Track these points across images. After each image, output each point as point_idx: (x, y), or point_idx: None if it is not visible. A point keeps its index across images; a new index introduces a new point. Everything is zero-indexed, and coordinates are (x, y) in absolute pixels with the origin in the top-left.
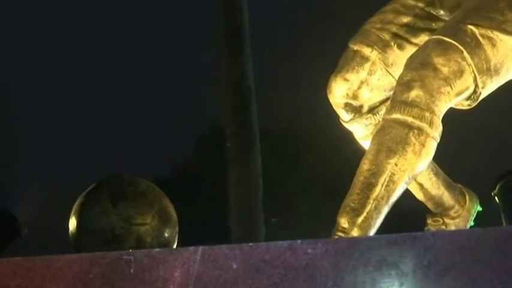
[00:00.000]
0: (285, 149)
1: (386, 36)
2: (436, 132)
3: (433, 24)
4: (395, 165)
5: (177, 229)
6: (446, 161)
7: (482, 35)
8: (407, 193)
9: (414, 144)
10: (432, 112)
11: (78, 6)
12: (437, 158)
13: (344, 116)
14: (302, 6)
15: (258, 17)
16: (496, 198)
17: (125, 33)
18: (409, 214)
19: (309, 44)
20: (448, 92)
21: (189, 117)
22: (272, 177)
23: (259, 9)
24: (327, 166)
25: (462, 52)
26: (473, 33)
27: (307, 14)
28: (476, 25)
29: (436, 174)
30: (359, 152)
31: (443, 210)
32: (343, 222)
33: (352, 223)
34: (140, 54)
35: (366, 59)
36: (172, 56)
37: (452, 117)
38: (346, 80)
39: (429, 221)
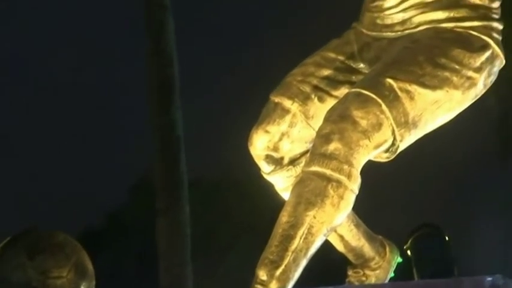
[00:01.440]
0: (216, 198)
1: (307, 88)
2: (354, 185)
3: (353, 77)
4: (314, 217)
5: (94, 282)
6: (359, 213)
7: (400, 88)
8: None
9: (333, 196)
10: (351, 165)
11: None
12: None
13: (265, 167)
14: (235, 59)
15: (189, 67)
16: (408, 251)
17: (56, 80)
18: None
19: (241, 95)
20: (367, 145)
21: (120, 167)
22: (203, 227)
23: (190, 59)
24: (258, 216)
25: (380, 105)
26: (391, 86)
27: (239, 64)
28: (394, 78)
29: (357, 226)
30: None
31: (363, 262)
32: (262, 274)
33: (271, 276)
34: (74, 101)
35: (286, 111)
36: (104, 105)
37: (368, 170)
38: (267, 132)
39: (350, 272)
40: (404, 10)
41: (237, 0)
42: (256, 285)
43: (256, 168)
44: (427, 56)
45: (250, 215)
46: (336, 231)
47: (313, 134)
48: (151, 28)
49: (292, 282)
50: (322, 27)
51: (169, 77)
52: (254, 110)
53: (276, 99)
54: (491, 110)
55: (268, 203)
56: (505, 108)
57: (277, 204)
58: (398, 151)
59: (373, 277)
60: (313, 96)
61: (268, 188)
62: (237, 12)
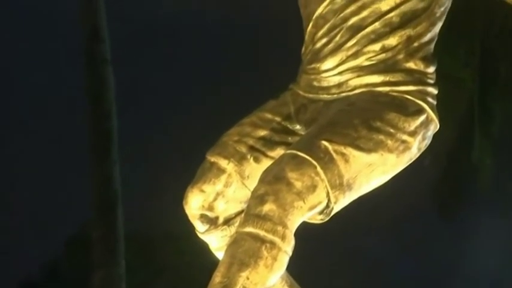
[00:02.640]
0: (152, 253)
1: (243, 148)
2: (288, 247)
3: (289, 138)
4: (247, 278)
5: None
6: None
7: (335, 151)
8: None
9: (266, 258)
10: (285, 226)
11: None
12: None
13: (199, 227)
14: (174, 112)
15: (128, 121)
16: None
17: None
18: None
19: (179, 151)
20: (301, 207)
21: (57, 219)
22: (138, 281)
23: (129, 113)
24: (194, 272)
25: (315, 167)
26: (326, 148)
27: (177, 117)
28: (330, 141)
29: (290, 286)
30: None
31: None
32: None
33: None
34: (9, 151)
35: (222, 170)
36: (42, 157)
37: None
38: (202, 191)
39: None
40: (340, 73)
41: (177, 58)
42: None
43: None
44: (362, 119)
45: (186, 271)
46: None
47: (248, 194)
48: (91, 82)
49: None
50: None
51: (107, 130)
52: (191, 166)
53: (212, 159)
54: (428, 169)
55: (204, 259)
56: (441, 167)
57: (214, 261)
58: (333, 213)
59: None
60: (249, 156)
61: (205, 244)
62: (177, 70)
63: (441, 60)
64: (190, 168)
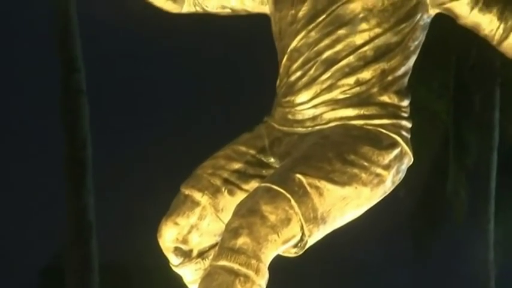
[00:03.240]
0: (127, 283)
1: (217, 181)
2: (262, 280)
3: (264, 171)
4: None
5: None
6: None
7: (310, 184)
8: None
9: None
10: (259, 259)
11: None
12: None
13: (173, 260)
14: (149, 143)
15: (103, 150)
16: None
17: None
18: None
19: (155, 182)
20: (275, 240)
21: (32, 249)
22: None
23: (104, 142)
24: None
25: (290, 200)
26: (301, 182)
27: (152, 147)
28: (304, 174)
29: None
30: None
31: None
32: None
33: None
34: None
35: (196, 203)
36: (17, 187)
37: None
38: (176, 224)
39: None
40: (315, 106)
41: (152, 89)
42: None
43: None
44: (336, 152)
45: None
46: None
47: (223, 227)
48: (66, 112)
49: None
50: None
51: (82, 160)
52: (166, 198)
53: (186, 192)
54: (402, 201)
55: None
56: (416, 199)
57: None
58: (307, 246)
59: None
60: (223, 189)
61: (179, 277)
62: (151, 101)
63: (416, 92)
64: (165, 199)
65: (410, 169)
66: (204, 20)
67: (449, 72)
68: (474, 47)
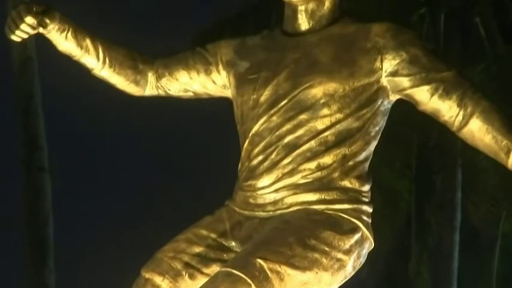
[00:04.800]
0: None
1: (178, 265)
2: None
3: (225, 255)
4: None
5: None
6: None
7: (270, 269)
8: None
9: None
10: None
11: None
12: None
13: None
14: (111, 222)
15: (64, 229)
16: None
17: None
18: None
19: (116, 262)
20: None
21: None
22: None
23: (66, 220)
24: None
25: (250, 285)
26: (262, 267)
27: (113, 227)
28: (265, 259)
29: None
30: None
31: None
32: None
33: None
34: None
35: (157, 287)
36: None
37: None
38: None
39: None
40: (276, 191)
41: (114, 170)
42: None
43: None
44: (297, 237)
45: None
46: None
47: None
48: (28, 190)
49: None
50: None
51: (43, 238)
52: (127, 280)
53: (147, 275)
54: (365, 282)
55: None
56: (378, 279)
57: None
58: None
59: None
60: (184, 273)
61: None
62: (113, 180)
63: (378, 172)
64: (128, 281)
65: (372, 249)
66: (169, 99)
67: (411, 152)
68: (435, 128)
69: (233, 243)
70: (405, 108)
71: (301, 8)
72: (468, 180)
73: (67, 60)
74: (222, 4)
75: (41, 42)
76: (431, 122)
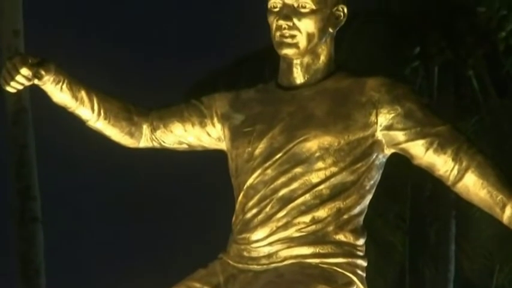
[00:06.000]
0: None
1: None
2: None
3: None
4: None
5: None
6: None
7: None
8: None
9: None
10: None
11: None
12: None
13: None
14: (104, 272)
15: (56, 278)
16: None
17: None
18: None
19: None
20: None
21: None
22: None
23: (58, 270)
24: None
25: None
26: None
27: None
28: None
29: None
30: None
31: None
32: None
33: None
34: None
35: None
36: None
37: None
38: None
39: None
40: (270, 244)
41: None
42: None
43: None
44: None
45: None
46: None
47: None
48: (20, 240)
49: None
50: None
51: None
52: None
53: None
54: None
55: None
56: None
57: None
58: None
59: None
60: None
61: None
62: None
63: (372, 224)
64: None
65: None
66: (160, 156)
67: (405, 204)
68: (429, 180)
69: None
70: (399, 160)
71: (297, 61)
72: (462, 232)
73: (61, 111)
74: (216, 55)
75: (35, 93)
76: (425, 174)
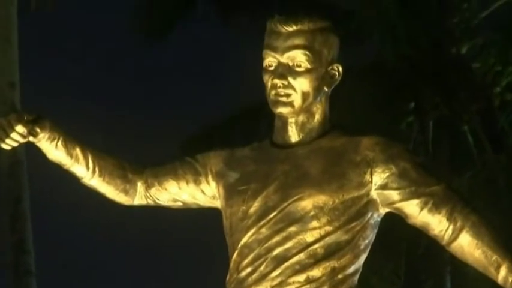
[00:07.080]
0: None
1: None
2: None
3: None
4: None
5: None
6: None
7: None
8: None
9: None
10: None
11: None
12: None
13: None
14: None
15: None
16: None
17: None
18: None
19: None
20: None
21: None
22: None
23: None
24: None
25: None
26: None
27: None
28: None
29: None
30: None
31: None
32: None
33: None
34: None
35: None
36: None
37: None
38: None
39: None
40: None
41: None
42: None
43: None
44: None
45: None
46: None
47: None
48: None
49: None
50: None
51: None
52: None
53: None
54: None
55: None
56: None
57: None
58: None
59: None
60: None
61: None
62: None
63: (367, 280)
64: None
65: None
66: (156, 213)
67: (399, 260)
68: (424, 236)
69: None
70: (393, 216)
71: (292, 120)
72: (457, 287)
73: (56, 165)
74: (210, 111)
75: (30, 145)
76: (419, 230)
